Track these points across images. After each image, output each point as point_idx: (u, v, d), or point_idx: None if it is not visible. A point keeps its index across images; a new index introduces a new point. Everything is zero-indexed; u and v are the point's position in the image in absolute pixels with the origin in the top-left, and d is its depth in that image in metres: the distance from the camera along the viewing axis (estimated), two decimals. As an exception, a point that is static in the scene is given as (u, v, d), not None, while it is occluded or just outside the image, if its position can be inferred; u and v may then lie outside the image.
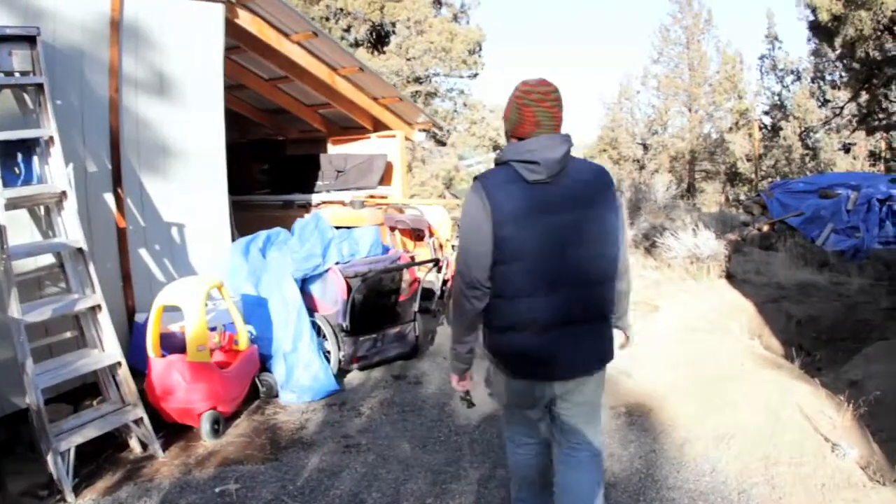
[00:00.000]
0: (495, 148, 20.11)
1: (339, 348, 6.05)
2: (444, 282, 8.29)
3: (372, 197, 9.91)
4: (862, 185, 12.78)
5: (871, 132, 20.57)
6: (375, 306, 6.35)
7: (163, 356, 5.09)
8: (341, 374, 6.19)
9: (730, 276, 10.50)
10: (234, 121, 11.15)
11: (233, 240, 6.73)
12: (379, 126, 10.38)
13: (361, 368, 6.29)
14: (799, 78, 24.68)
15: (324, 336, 6.10)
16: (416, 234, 8.98)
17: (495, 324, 3.03)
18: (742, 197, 21.99)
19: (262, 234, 6.40)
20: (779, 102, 25.06)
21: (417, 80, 20.15)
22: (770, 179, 21.64)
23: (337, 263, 6.18)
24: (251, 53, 8.44)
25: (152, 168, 6.16)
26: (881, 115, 19.39)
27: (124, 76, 5.85)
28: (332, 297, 6.10)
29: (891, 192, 12.36)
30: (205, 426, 4.98)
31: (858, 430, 4.75)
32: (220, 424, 5.07)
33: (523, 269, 2.89)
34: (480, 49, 20.71)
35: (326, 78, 8.68)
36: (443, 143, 20.80)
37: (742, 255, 11.59)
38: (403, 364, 6.55)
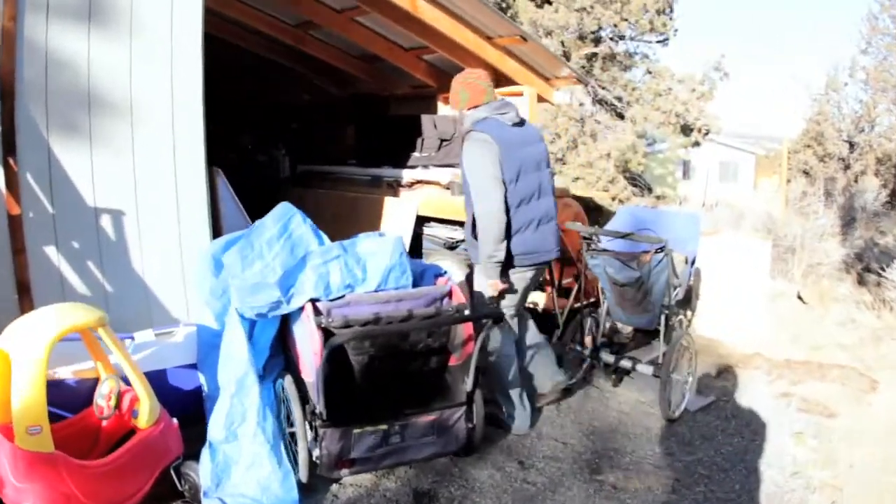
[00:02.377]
0: (684, 129, 16.73)
1: (311, 443, 3.49)
2: (579, 309, 5.61)
3: None
4: None
5: None
6: (388, 377, 3.65)
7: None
8: (320, 481, 3.68)
9: None
10: (326, 72, 8.97)
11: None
12: (502, 80, 7.47)
13: (357, 474, 3.69)
14: None
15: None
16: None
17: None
18: None
19: (264, 222, 3.85)
20: None
21: (595, 39, 17.07)
22: None
23: (314, 301, 3.47)
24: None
25: (71, 129, 4.16)
26: None
27: (26, -7, 3.95)
28: (307, 357, 3.43)
29: None
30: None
31: None
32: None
33: (521, 184, 4.26)
34: (671, 10, 17.24)
35: (405, 3, 5.99)
36: (621, 116, 17.56)
37: None
38: (442, 468, 3.95)
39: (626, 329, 6.00)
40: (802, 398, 5.35)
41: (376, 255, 3.62)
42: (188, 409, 3.76)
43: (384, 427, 3.53)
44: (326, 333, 3.34)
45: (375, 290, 3.63)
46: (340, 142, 9.12)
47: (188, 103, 4.40)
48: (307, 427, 3.45)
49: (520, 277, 4.40)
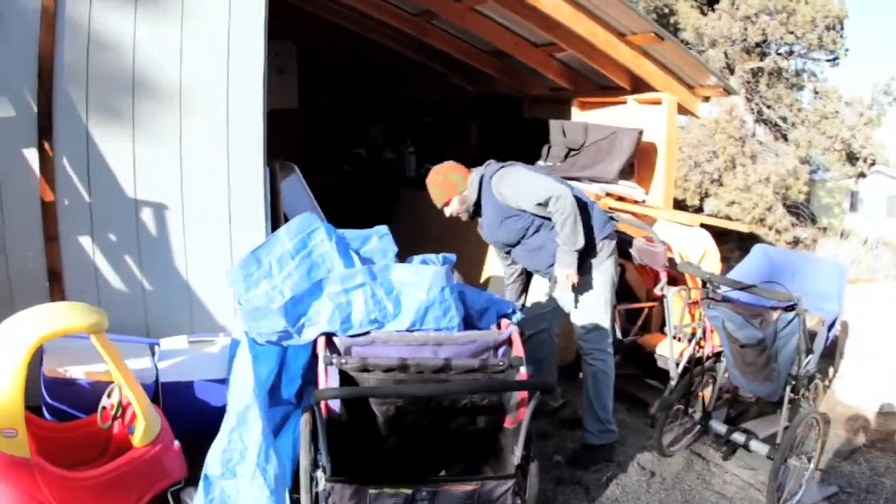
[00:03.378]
0: (849, 157, 15.27)
1: (314, 499, 2.86)
2: (697, 361, 4.80)
3: (620, 199, 6.43)
4: None
5: None
6: (420, 433, 3.00)
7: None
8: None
9: None
10: (454, 66, 8.45)
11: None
12: (640, 86, 6.68)
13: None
14: None
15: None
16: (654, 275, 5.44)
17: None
18: None
19: (278, 236, 3.26)
20: None
21: (761, 54, 15.81)
22: None
23: (330, 335, 2.85)
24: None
25: (112, 115, 3.95)
26: None
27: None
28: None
29: None
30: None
31: None
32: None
33: None
34: (842, 27, 15.72)
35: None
36: (784, 137, 16.21)
37: None
38: None
39: (749, 396, 4.92)
40: None
41: (413, 286, 2.94)
42: (213, 428, 3.32)
43: (408, 491, 2.89)
44: (343, 376, 2.75)
45: (409, 330, 2.98)
46: (467, 143, 8.62)
47: (246, 94, 4.05)
48: (311, 479, 2.86)
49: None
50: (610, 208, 5.86)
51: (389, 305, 2.90)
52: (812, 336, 4.15)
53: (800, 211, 16.86)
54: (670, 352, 4.78)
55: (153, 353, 3.67)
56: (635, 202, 6.56)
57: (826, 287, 4.56)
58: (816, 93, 16.34)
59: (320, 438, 2.78)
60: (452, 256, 3.48)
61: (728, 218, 13.61)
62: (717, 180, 15.39)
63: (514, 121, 8.47)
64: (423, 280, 2.94)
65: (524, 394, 3.00)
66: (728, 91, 6.97)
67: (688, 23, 15.48)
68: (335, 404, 2.79)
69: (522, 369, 2.99)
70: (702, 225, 6.09)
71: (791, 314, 3.79)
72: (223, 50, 3.94)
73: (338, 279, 2.83)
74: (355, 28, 7.69)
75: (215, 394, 3.63)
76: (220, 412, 3.41)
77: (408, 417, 2.91)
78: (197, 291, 4.04)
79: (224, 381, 3.51)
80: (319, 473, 2.85)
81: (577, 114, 7.62)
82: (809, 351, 4.12)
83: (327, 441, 2.72)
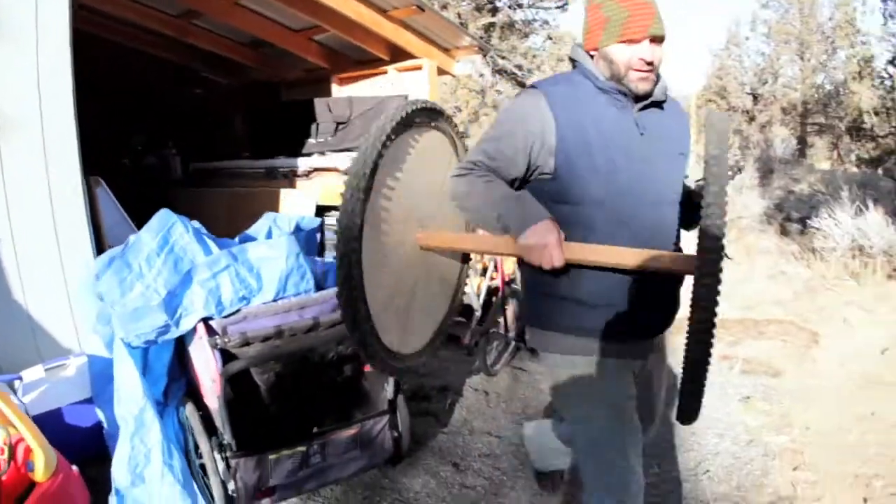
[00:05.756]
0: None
1: (224, 477, 3.06)
2: (493, 292, 5.41)
3: None
4: None
5: None
6: (299, 393, 3.28)
7: None
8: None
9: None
10: (214, 63, 8.44)
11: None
12: (400, 55, 7.11)
13: (279, 502, 3.30)
14: None
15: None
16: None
17: None
18: (865, 155, 19.38)
19: (141, 237, 3.36)
20: None
21: (493, 9, 16.78)
22: None
23: (207, 320, 3.08)
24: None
25: None
26: None
27: None
28: (207, 382, 3.05)
29: None
30: None
31: None
32: None
33: None
34: None
35: (295, -19, 5.51)
36: (522, 85, 17.37)
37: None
38: (371, 481, 3.60)
39: None
40: (744, 359, 5.23)
41: (270, 259, 3.21)
42: (90, 450, 3.41)
43: (302, 449, 3.19)
44: (225, 354, 2.99)
45: (274, 300, 3.25)
46: (233, 135, 8.66)
47: (59, 114, 3.90)
48: (217, 459, 3.08)
49: None
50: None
51: (253, 281, 3.15)
52: None
53: None
54: (472, 287, 5.22)
55: (14, 390, 3.55)
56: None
57: None
58: (550, 38, 17.57)
59: (220, 419, 3.01)
60: (314, 221, 3.76)
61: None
62: (464, 133, 16.24)
63: (274, 106, 8.64)
64: (279, 251, 3.23)
65: None
66: (482, 49, 7.58)
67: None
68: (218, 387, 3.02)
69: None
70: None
71: None
72: (33, 71, 3.81)
73: (205, 266, 3.03)
74: (106, 35, 7.45)
75: (83, 415, 3.58)
76: (93, 432, 3.51)
77: (286, 381, 3.19)
78: (38, 320, 3.88)
79: (90, 401, 3.53)
80: (217, 456, 3.10)
81: (337, 90, 7.90)
82: None
83: (229, 418, 2.97)
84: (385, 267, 2.30)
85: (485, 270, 5.47)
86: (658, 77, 2.28)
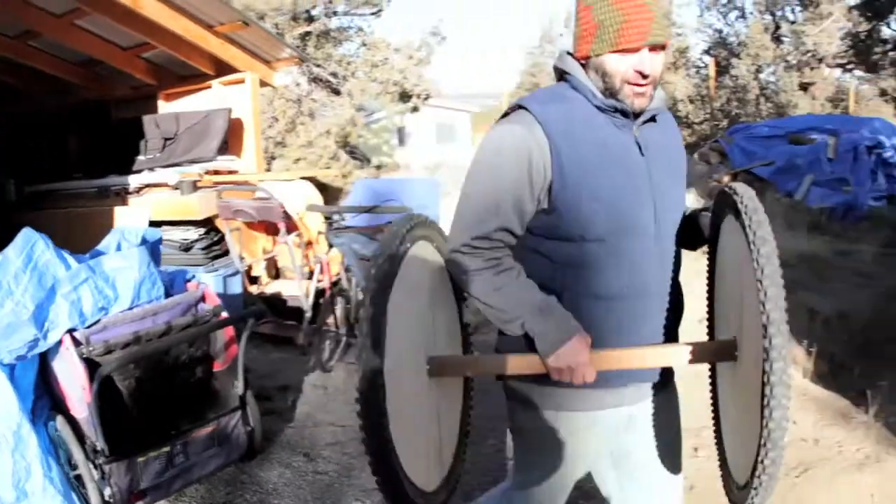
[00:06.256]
0: (402, 95, 17.14)
1: (99, 485, 3.21)
2: (320, 293, 5.68)
3: (216, 172, 6.93)
4: (840, 130, 11.06)
5: (871, 68, 18.21)
6: (159, 396, 3.52)
7: None
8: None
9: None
10: (44, 83, 8.25)
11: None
12: (224, 69, 7.32)
13: (151, 504, 3.52)
14: (743, 14, 23.04)
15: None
16: (275, 228, 6.12)
17: None
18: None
19: (7, 255, 3.34)
20: (721, 40, 23.28)
21: (309, 18, 16.94)
22: (718, 124, 19.90)
23: (71, 331, 3.23)
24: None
25: None
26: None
27: None
28: (75, 391, 3.21)
29: (878, 138, 10.70)
30: None
31: None
32: None
33: None
34: None
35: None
36: (337, 92, 17.63)
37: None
38: (230, 478, 3.83)
39: None
40: None
41: (124, 270, 3.41)
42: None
43: (167, 449, 3.39)
44: (90, 364, 3.16)
45: (130, 308, 3.44)
46: (66, 156, 8.48)
47: None
48: (91, 467, 3.24)
49: None
50: (215, 183, 6.47)
51: (110, 292, 3.34)
52: None
53: (356, 155, 18.40)
54: (301, 290, 5.57)
55: None
56: (232, 172, 7.18)
57: (426, 199, 5.58)
58: (365, 45, 17.91)
59: (90, 426, 3.17)
60: (157, 233, 3.93)
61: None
62: (281, 142, 16.31)
63: (105, 125, 8.57)
64: (131, 261, 3.44)
65: (231, 335, 3.74)
66: (302, 60, 7.88)
67: (238, 1, 16.07)
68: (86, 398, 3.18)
69: (223, 314, 3.68)
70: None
71: None
72: None
73: (66, 279, 3.18)
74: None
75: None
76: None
77: (146, 384, 3.41)
78: None
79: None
80: (91, 463, 3.22)
81: (164, 106, 8.02)
82: None
83: (101, 425, 3.14)
84: (405, 410, 1.94)
85: (311, 273, 5.75)
86: (655, 88, 2.00)
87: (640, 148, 1.99)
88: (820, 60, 19.94)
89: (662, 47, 1.91)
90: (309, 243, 5.92)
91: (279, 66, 7.75)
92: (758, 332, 1.59)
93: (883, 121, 11.90)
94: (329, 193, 12.46)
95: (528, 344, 1.96)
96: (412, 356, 1.99)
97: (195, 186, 6.07)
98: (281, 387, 5.01)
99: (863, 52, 14.07)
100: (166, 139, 7.13)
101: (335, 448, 4.15)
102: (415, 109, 18.01)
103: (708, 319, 2.16)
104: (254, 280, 6.43)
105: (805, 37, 19.86)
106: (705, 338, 2.13)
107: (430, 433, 2.11)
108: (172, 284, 3.83)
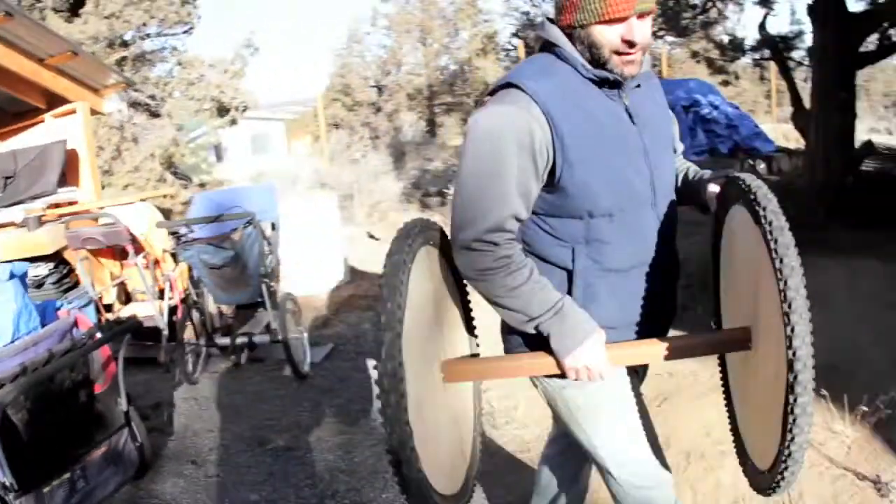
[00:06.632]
0: (220, 110, 17.11)
1: None
2: (173, 310, 5.84)
3: (57, 206, 6.83)
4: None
5: (682, 33, 19.51)
6: (50, 424, 3.61)
7: None
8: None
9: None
10: None
11: None
12: (56, 101, 7.26)
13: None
14: None
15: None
16: (122, 252, 6.17)
17: None
18: None
19: None
20: (528, 22, 23.70)
21: (124, 43, 16.58)
22: None
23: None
24: None
25: None
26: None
27: None
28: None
29: (694, 97, 11.69)
30: None
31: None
32: None
33: None
34: None
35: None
36: (157, 115, 17.35)
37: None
38: (128, 497, 3.95)
39: (228, 310, 6.22)
40: None
41: (3, 303, 3.54)
42: None
43: (68, 476, 3.51)
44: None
45: (12, 341, 3.56)
46: None
47: None
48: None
49: None
50: (59, 215, 6.41)
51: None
52: (266, 240, 5.39)
53: (178, 175, 18.17)
54: (155, 309, 5.69)
55: None
56: (73, 203, 7.09)
57: (264, 203, 5.84)
58: (180, 64, 17.70)
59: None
60: (23, 266, 4.00)
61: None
62: (108, 171, 15.95)
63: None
64: (7, 295, 3.57)
65: (108, 355, 3.90)
66: (129, 84, 7.88)
67: (59, 30, 15.54)
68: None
69: (98, 335, 3.86)
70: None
71: (251, 228, 5.04)
72: None
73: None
74: None
75: None
76: None
77: (37, 414, 3.49)
78: None
79: None
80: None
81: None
82: (270, 252, 5.44)
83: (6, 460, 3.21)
84: (429, 433, 1.92)
85: (162, 292, 5.87)
86: (644, 54, 1.94)
87: (630, 115, 1.96)
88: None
89: (650, 12, 1.84)
90: (156, 262, 6.01)
91: (107, 93, 7.74)
92: (777, 320, 1.59)
93: (698, 81, 12.82)
94: (163, 214, 12.36)
95: (539, 343, 1.97)
96: (429, 373, 1.97)
97: (41, 221, 6.01)
98: (154, 405, 5.12)
99: (672, 19, 15.18)
100: (6, 178, 6.96)
101: (218, 452, 4.37)
102: (233, 122, 17.98)
103: (714, 309, 2.22)
104: (108, 308, 6.44)
105: (616, 10, 20.99)
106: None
107: (452, 439, 2.13)
108: (45, 314, 3.94)
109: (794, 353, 1.52)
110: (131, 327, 4.03)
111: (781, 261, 1.56)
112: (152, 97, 17.05)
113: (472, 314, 2.33)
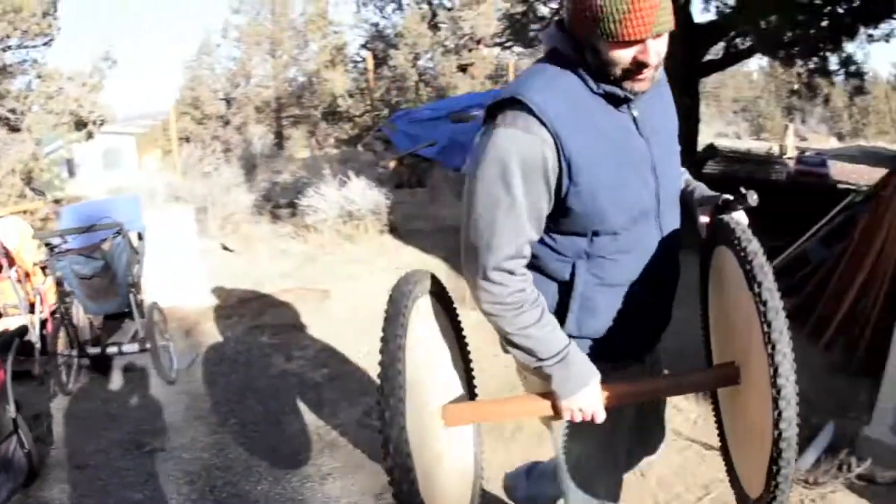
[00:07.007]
0: (78, 124, 17.00)
1: None
2: (43, 323, 5.93)
3: None
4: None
5: (528, 44, 20.16)
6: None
7: None
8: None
9: (393, 230, 9.38)
10: None
11: None
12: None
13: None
14: (401, 6, 24.55)
15: None
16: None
17: None
18: (344, 136, 21.92)
19: None
20: (378, 33, 24.82)
21: (-19, 55, 16.28)
22: (379, 114, 21.22)
23: None
24: None
25: None
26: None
27: None
28: None
29: None
30: None
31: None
32: None
33: None
34: (55, 10, 17.09)
35: None
36: (17, 129, 17.13)
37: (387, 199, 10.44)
38: None
39: (97, 321, 6.25)
40: (271, 325, 6.59)
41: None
42: None
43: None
44: None
45: None
46: None
47: None
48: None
49: None
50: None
51: None
52: (134, 249, 5.62)
53: (35, 190, 17.94)
54: (30, 322, 5.76)
55: None
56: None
57: (130, 214, 6.00)
58: (40, 77, 17.46)
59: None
60: None
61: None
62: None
63: None
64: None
65: None
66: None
67: None
68: None
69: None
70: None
71: (120, 238, 5.29)
72: None
73: None
74: None
75: None
76: None
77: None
78: None
79: None
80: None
81: None
82: (138, 262, 5.68)
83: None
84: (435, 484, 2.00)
85: (32, 306, 5.96)
86: (658, 69, 1.88)
87: (638, 128, 1.94)
88: (478, 42, 21.90)
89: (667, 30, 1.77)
90: (27, 275, 6.12)
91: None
92: (762, 359, 1.64)
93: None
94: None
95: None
96: (428, 421, 2.01)
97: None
98: (34, 416, 5.24)
99: (519, 31, 16.02)
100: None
101: (100, 455, 4.66)
102: (90, 136, 17.83)
103: (704, 343, 2.30)
104: (-22, 325, 6.54)
105: (463, 21, 21.60)
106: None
107: (453, 481, 2.19)
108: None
109: (778, 391, 1.58)
110: (20, 332, 4.31)
111: (766, 304, 1.62)
112: (12, 111, 16.81)
113: (469, 354, 2.44)
